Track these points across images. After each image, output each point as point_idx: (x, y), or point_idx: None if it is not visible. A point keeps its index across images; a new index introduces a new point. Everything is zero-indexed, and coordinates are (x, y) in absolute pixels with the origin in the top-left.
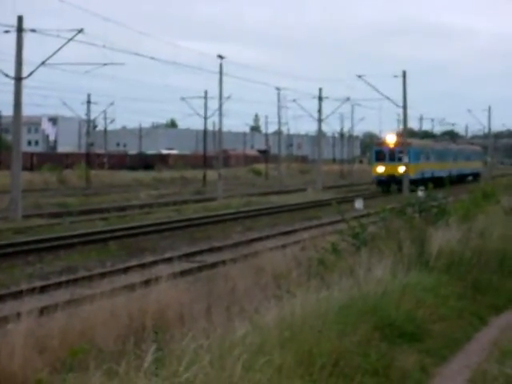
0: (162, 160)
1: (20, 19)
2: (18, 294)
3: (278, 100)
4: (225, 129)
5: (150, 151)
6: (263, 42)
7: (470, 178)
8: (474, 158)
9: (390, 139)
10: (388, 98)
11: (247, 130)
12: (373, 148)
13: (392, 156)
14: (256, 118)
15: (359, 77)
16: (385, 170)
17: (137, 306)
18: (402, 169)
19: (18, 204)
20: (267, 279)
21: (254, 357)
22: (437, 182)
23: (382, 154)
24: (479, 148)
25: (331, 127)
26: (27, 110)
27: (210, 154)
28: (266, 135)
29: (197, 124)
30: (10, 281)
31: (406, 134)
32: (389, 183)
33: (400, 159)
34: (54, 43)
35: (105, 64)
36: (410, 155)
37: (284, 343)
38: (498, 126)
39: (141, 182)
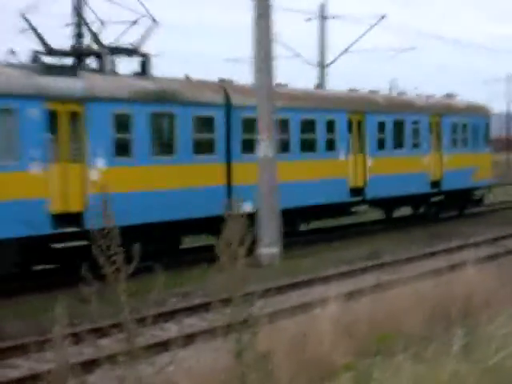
0: None
1: (322, 7)
2: (325, 279)
3: None
4: None
5: None
6: None
7: None
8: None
9: None
10: None
11: None
12: None
13: None
14: None
15: None
16: None
17: (442, 291)
18: None
19: None
20: None
21: None
22: None
23: None
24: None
25: None
26: None
27: None
28: None
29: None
30: (319, 265)
31: None
32: None
33: None
34: (356, 29)
35: (405, 50)
36: None
37: None
38: None
39: None
